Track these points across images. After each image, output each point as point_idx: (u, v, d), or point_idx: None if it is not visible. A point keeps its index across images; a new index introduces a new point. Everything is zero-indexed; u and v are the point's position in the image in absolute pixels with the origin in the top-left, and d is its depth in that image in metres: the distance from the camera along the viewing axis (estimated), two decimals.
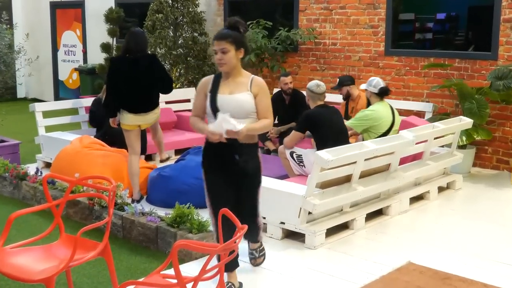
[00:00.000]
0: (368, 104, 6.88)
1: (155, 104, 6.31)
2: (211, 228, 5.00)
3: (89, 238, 4.01)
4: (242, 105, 4.01)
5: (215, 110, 4.02)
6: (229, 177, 4.15)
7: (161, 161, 6.93)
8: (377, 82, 6.64)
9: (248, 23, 9.58)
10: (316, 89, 6.19)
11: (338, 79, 7.88)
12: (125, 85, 6.17)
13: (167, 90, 6.39)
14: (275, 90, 9.34)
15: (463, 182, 7.13)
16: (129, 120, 6.20)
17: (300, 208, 5.19)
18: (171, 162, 7.06)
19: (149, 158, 7.99)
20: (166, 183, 6.19)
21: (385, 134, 6.60)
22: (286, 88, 8.22)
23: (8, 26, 9.65)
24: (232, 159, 4.08)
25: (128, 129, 6.26)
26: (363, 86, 7.03)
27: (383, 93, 6.62)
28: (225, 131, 3.84)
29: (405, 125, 6.92)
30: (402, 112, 8.35)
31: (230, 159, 4.09)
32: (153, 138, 6.77)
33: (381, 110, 6.58)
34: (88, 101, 8.63)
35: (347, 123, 6.47)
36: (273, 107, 8.28)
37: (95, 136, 7.43)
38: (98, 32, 12.59)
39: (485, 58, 7.83)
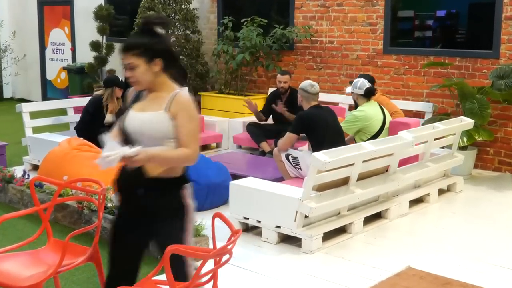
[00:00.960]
0: (356, 106, 6.95)
1: None
2: (204, 232, 5.01)
3: (78, 243, 4.00)
4: (148, 126, 3.15)
5: (122, 129, 3.26)
6: (131, 219, 3.28)
7: None
8: (361, 83, 6.75)
9: (243, 20, 9.59)
10: (311, 89, 6.20)
11: (359, 75, 7.85)
12: None
13: (183, 81, 6.86)
14: (271, 90, 9.35)
15: (464, 184, 7.15)
16: None
17: (296, 212, 5.19)
18: None
19: None
20: None
21: (378, 133, 6.65)
22: (279, 86, 8.28)
23: None
24: (134, 192, 3.20)
25: None
26: (348, 90, 7.11)
27: (369, 94, 6.73)
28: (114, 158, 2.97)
29: (395, 125, 6.94)
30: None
31: (132, 193, 3.22)
32: None
33: (369, 110, 6.67)
34: (77, 101, 8.60)
35: None
36: (267, 105, 8.53)
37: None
38: (87, 30, 12.57)
39: (487, 57, 7.85)
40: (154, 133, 3.14)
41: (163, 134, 3.14)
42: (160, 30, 3.19)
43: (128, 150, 2.97)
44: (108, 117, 7.77)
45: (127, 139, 3.22)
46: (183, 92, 3.28)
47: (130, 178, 3.21)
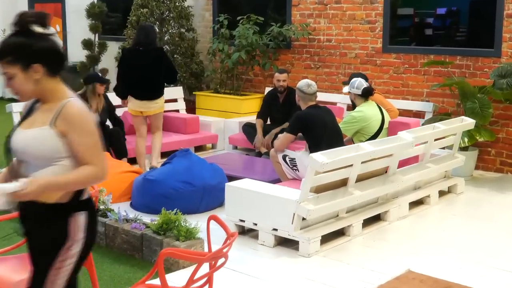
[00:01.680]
0: (354, 106, 6.95)
1: (159, 93, 7.36)
2: (199, 235, 5.00)
3: None
4: (32, 144, 2.76)
5: (9, 149, 2.90)
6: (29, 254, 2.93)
7: (151, 168, 7.33)
8: (359, 83, 6.75)
9: (239, 18, 9.59)
10: (307, 89, 6.20)
11: (351, 75, 7.87)
12: (133, 73, 7.28)
13: (172, 80, 7.67)
14: (267, 89, 9.35)
15: (465, 185, 7.15)
16: (133, 106, 7.35)
17: (294, 214, 5.19)
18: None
19: (133, 161, 7.97)
20: (152, 188, 6.18)
21: (377, 133, 6.65)
22: (278, 85, 8.29)
23: None
24: (27, 227, 2.91)
25: (133, 114, 7.45)
26: (345, 89, 7.12)
27: (367, 94, 6.74)
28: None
29: (395, 125, 6.95)
30: (401, 112, 8.37)
31: (26, 227, 2.92)
32: (153, 135, 7.64)
33: (368, 111, 6.68)
34: None
35: None
36: (265, 106, 8.55)
37: None
38: (79, 28, 12.55)
39: (488, 55, 7.86)
40: (40, 152, 2.75)
41: (50, 153, 2.75)
42: (38, 28, 2.75)
43: (8, 186, 2.59)
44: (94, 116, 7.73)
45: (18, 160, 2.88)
46: (73, 101, 2.78)
47: (22, 210, 2.87)
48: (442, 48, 8.37)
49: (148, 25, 7.95)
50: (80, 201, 2.85)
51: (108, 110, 7.79)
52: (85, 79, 7.83)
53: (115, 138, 7.62)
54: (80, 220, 2.83)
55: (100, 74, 7.81)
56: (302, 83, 6.27)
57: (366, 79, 7.69)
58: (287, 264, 5.04)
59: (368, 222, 5.83)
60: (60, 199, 2.79)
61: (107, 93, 8.01)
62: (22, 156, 2.83)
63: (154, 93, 7.35)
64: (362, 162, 5.51)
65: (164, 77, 7.39)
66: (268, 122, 8.56)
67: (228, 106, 9.60)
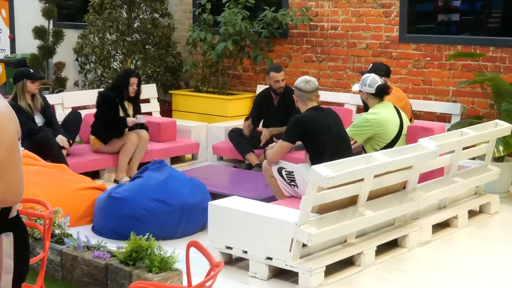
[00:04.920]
0: (366, 108, 6.91)
1: None
2: (177, 265, 5.00)
3: None
4: None
5: None
6: None
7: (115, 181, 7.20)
8: (372, 79, 6.70)
9: (224, 1, 9.62)
10: (305, 86, 6.21)
11: (372, 64, 7.85)
12: None
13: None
14: (260, 88, 9.36)
15: (500, 204, 7.18)
16: None
17: (292, 239, 5.19)
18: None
19: (96, 175, 7.96)
20: (118, 207, 6.18)
21: (394, 141, 6.64)
22: (277, 87, 8.27)
23: None
24: None
25: None
26: (355, 87, 7.07)
27: (381, 93, 6.69)
28: None
29: (415, 131, 6.96)
30: (422, 115, 8.41)
31: None
32: None
33: (384, 113, 6.65)
34: None
35: None
36: (256, 110, 8.56)
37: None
38: (30, 13, 12.56)
39: None
40: None
41: None
42: None
43: None
44: (36, 119, 7.71)
45: None
46: None
47: None
48: (471, 37, 8.41)
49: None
50: (6, 220, 2.77)
51: (44, 113, 7.75)
52: (14, 76, 7.77)
53: (46, 146, 7.49)
54: (5, 243, 2.75)
55: (31, 71, 7.72)
56: (299, 80, 6.28)
57: (389, 71, 7.69)
58: None
59: (382, 249, 5.85)
60: None
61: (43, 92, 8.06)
62: None
63: None
64: (375, 176, 5.52)
65: None
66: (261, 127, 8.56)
67: (211, 108, 9.61)
